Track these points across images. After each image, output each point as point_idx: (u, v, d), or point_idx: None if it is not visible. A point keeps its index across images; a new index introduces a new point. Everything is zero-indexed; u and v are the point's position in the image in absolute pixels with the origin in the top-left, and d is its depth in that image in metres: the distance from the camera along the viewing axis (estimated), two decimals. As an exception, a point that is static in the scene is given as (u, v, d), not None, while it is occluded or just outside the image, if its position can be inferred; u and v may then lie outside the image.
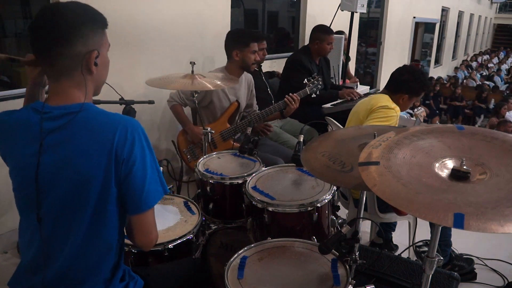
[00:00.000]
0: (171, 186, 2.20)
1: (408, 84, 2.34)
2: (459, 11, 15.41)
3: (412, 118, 2.88)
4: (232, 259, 1.40)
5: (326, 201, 1.70)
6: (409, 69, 2.40)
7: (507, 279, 2.44)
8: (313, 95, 2.85)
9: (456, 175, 1.06)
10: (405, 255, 2.16)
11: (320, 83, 2.86)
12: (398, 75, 2.38)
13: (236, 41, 2.72)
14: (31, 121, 1.11)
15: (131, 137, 1.10)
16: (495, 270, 2.51)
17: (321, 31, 3.68)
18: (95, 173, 1.07)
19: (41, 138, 1.08)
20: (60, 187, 1.09)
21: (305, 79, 2.85)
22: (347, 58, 4.97)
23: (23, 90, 2.82)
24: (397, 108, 2.31)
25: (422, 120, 2.93)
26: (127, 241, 1.24)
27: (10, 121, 1.14)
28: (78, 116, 1.09)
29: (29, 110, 1.13)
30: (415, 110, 2.78)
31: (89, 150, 1.08)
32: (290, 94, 2.65)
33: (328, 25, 3.92)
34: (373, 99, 2.39)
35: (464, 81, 13.56)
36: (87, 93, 1.14)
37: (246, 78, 2.89)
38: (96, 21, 1.13)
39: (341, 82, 4.72)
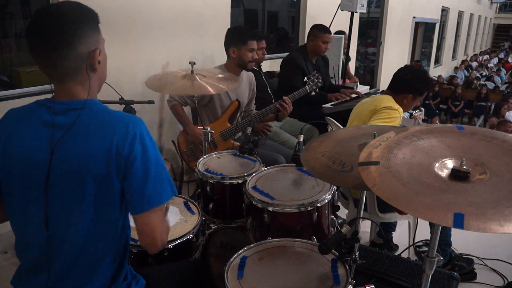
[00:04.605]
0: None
1: (412, 84, 2.34)
2: (459, 11, 15.42)
3: (411, 119, 2.89)
4: (232, 259, 1.40)
5: (326, 201, 1.69)
6: (412, 69, 2.40)
7: (507, 279, 2.44)
8: (313, 93, 2.85)
9: (456, 175, 1.06)
10: (405, 255, 2.16)
11: (320, 81, 2.86)
12: (402, 75, 2.37)
13: (233, 38, 2.71)
14: (38, 116, 1.11)
15: (132, 134, 1.10)
16: (495, 270, 2.50)
17: (317, 28, 3.67)
18: (95, 171, 1.07)
19: (52, 135, 1.09)
20: (60, 184, 1.09)
21: (305, 77, 2.84)
22: (347, 58, 4.97)
23: (23, 90, 2.84)
24: (401, 109, 2.31)
25: (420, 123, 2.94)
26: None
27: (19, 115, 1.15)
28: (81, 113, 1.09)
29: (36, 105, 1.14)
30: (414, 112, 2.78)
31: (89, 147, 1.08)
32: (281, 100, 2.63)
33: (328, 25, 3.91)
34: (376, 100, 2.38)
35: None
36: (90, 90, 1.14)
37: (248, 76, 2.88)
38: (91, 19, 1.13)
39: (341, 82, 4.72)
